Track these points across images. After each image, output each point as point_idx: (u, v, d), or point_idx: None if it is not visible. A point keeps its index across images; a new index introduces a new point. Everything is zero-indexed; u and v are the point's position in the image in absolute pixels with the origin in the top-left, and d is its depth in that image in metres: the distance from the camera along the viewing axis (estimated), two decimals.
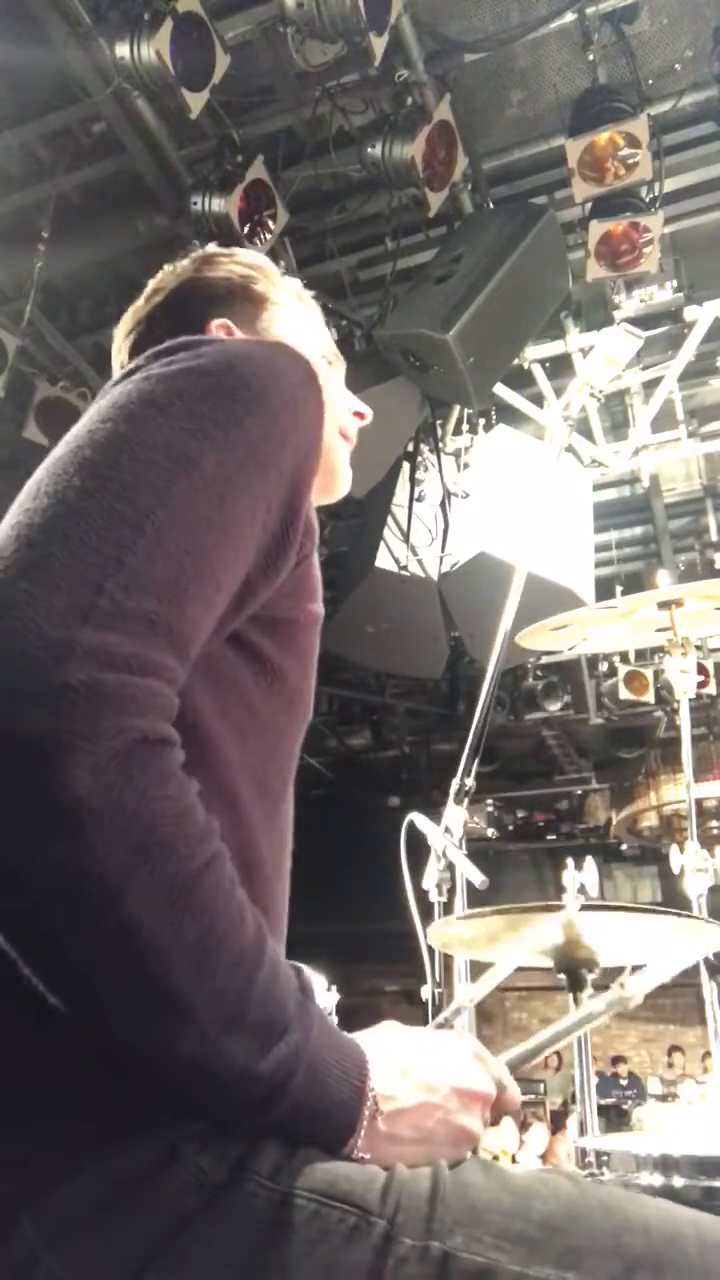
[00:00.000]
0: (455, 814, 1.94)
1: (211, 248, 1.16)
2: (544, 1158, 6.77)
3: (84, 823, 0.60)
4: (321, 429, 0.86)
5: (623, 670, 7.01)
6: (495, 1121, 0.79)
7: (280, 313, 1.10)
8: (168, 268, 1.13)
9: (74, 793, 0.60)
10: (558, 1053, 10.48)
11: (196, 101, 3.53)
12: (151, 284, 1.13)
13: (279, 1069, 0.66)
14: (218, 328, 1.05)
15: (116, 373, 1.10)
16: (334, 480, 1.11)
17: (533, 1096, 9.67)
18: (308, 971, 0.73)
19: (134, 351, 1.09)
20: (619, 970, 0.95)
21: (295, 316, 1.12)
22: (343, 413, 1.12)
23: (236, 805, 0.79)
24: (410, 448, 5.21)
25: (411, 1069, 0.74)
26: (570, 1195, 0.69)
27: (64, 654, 0.61)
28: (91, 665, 0.62)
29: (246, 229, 4.00)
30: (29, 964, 0.64)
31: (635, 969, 0.92)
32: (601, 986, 0.99)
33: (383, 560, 5.23)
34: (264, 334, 1.08)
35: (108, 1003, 0.63)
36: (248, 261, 1.12)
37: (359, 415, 1.15)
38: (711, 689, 6.84)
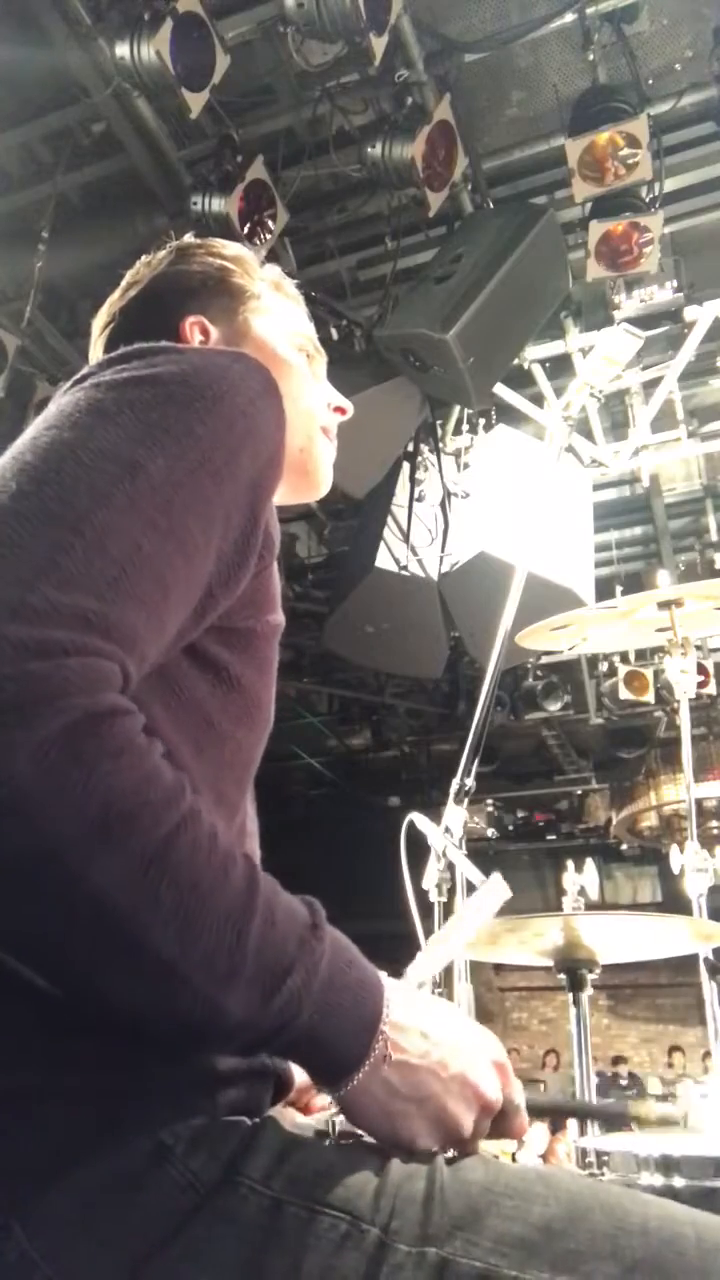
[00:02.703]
0: (455, 814, 1.94)
1: (189, 238, 1.12)
2: (544, 1158, 6.77)
3: (32, 810, 0.60)
4: (283, 438, 0.84)
5: (623, 670, 7.00)
6: (494, 1135, 0.78)
7: (258, 306, 1.07)
8: (144, 259, 1.10)
9: (15, 783, 0.59)
10: (557, 1052, 10.51)
11: (196, 101, 3.53)
12: (128, 276, 1.10)
13: (280, 1015, 0.66)
14: (191, 325, 1.02)
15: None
16: (312, 481, 1.08)
17: None
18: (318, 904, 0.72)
19: (108, 346, 1.07)
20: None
21: (274, 309, 1.08)
22: (321, 410, 1.09)
23: None
24: (410, 448, 5.20)
25: (433, 1036, 0.73)
26: (571, 1196, 0.68)
27: None
28: (19, 658, 0.61)
29: (246, 229, 4.00)
30: (14, 954, 0.64)
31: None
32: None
33: (383, 560, 5.22)
34: (242, 328, 1.05)
35: (98, 978, 0.64)
36: (225, 253, 1.09)
37: (340, 410, 1.11)
38: (711, 689, 6.83)
